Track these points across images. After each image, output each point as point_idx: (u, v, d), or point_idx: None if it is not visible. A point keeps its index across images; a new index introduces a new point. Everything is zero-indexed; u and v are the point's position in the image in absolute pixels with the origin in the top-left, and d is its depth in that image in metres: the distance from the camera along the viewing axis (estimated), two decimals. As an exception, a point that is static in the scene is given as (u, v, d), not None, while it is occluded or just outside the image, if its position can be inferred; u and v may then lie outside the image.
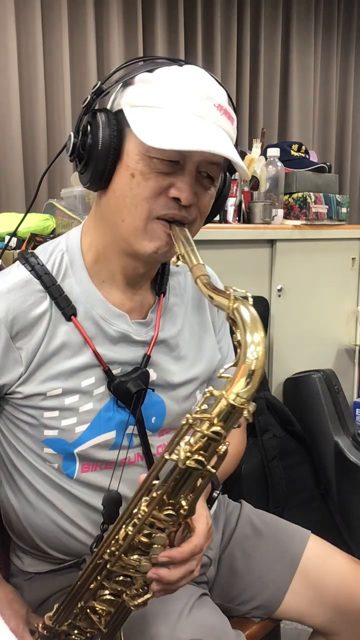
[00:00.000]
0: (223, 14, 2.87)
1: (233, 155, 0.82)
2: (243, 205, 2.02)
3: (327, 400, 2.08)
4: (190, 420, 0.69)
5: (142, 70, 0.85)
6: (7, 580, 1.03)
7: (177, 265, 0.84)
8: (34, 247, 1.62)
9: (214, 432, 0.68)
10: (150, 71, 0.84)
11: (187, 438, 0.70)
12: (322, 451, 2.05)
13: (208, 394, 0.70)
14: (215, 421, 0.68)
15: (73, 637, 0.85)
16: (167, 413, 0.98)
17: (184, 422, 0.70)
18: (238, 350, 0.69)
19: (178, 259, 0.83)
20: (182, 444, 0.69)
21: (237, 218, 2.00)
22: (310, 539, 1.12)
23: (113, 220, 0.87)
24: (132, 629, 0.86)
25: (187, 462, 0.68)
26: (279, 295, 2.08)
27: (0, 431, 0.95)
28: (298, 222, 2.11)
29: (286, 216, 2.15)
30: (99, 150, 0.84)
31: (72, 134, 0.87)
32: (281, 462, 1.89)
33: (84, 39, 2.45)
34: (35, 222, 1.70)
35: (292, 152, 2.27)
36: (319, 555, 1.10)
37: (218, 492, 0.98)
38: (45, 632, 0.86)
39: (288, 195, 2.15)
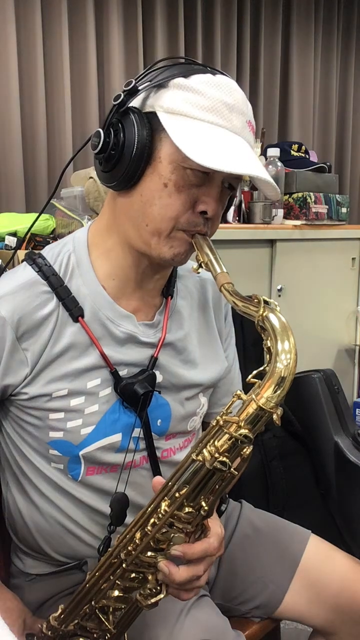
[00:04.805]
0: (223, 14, 2.87)
1: (273, 182, 0.85)
2: (243, 205, 2.02)
3: (327, 400, 2.07)
4: (221, 422, 0.71)
5: (176, 74, 0.82)
6: (7, 581, 1.03)
7: (198, 273, 0.85)
8: (34, 247, 1.62)
9: (242, 435, 0.69)
10: (186, 76, 0.82)
11: (211, 440, 0.71)
12: (322, 451, 2.04)
13: (235, 398, 0.72)
14: (243, 424, 0.69)
15: (78, 638, 0.85)
16: (173, 415, 0.98)
17: (213, 423, 0.72)
18: (268, 356, 0.71)
19: (200, 266, 0.84)
20: (208, 445, 0.71)
21: (237, 218, 2.00)
22: (310, 539, 1.12)
23: (135, 222, 0.86)
24: (131, 630, 0.86)
25: (214, 463, 0.70)
26: (279, 295, 2.08)
27: (6, 433, 0.95)
28: (298, 222, 2.11)
29: (286, 216, 2.15)
30: (133, 152, 0.82)
31: (100, 130, 0.84)
32: (281, 462, 1.89)
33: (84, 39, 2.45)
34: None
35: (292, 152, 2.27)
36: (319, 555, 1.10)
37: (226, 505, 0.99)
38: (49, 632, 0.85)
39: (288, 195, 2.15)
